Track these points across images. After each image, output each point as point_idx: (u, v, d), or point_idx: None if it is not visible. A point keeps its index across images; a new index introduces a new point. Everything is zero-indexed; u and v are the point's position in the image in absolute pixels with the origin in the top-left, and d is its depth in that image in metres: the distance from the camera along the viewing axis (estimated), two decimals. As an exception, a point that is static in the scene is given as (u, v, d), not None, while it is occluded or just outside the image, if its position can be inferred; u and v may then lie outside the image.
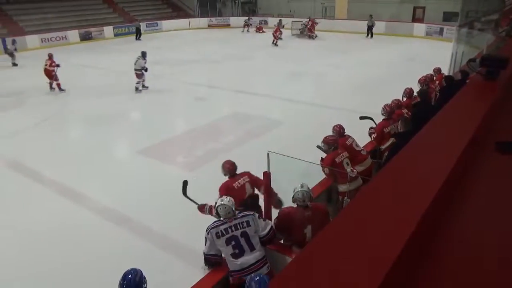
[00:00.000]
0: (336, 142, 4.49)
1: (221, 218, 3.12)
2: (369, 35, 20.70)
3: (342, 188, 4.25)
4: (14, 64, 15.50)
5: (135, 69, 11.09)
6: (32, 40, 19.45)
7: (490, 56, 3.52)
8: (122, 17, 25.03)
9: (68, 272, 4.19)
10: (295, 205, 3.37)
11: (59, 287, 4.03)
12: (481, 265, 1.28)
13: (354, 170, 4.36)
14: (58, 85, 11.54)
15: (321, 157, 4.55)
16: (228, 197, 3.14)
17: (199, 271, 3.15)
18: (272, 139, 7.48)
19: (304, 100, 10.18)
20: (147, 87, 11.49)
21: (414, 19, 22.75)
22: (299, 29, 21.98)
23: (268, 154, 3.29)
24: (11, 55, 15.53)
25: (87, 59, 16.38)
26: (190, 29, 25.87)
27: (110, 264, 4.23)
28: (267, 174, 3.48)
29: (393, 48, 17.85)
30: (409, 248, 1.16)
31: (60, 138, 8.35)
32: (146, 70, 11.07)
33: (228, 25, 26.86)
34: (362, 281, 1.03)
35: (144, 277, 2.56)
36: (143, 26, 24.38)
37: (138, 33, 22.25)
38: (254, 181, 4.07)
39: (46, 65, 11.43)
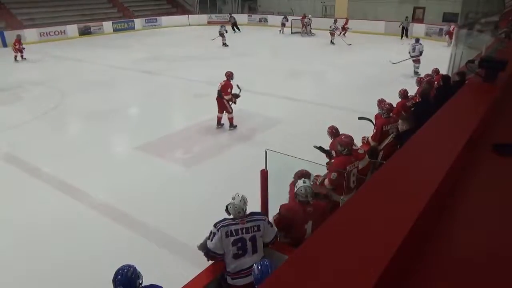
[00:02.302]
0: (351, 145, 4.11)
1: (231, 216, 3.04)
2: (404, 36, 20.09)
3: (336, 197, 4.07)
4: (225, 45, 18.27)
5: (413, 56, 12.00)
6: (30, 34, 19.35)
7: (489, 58, 3.52)
8: (122, 12, 24.93)
9: (64, 268, 4.18)
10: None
11: (55, 283, 4.01)
12: (477, 267, 1.28)
13: (355, 182, 4.10)
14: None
15: (326, 152, 4.40)
16: (241, 196, 3.03)
17: (196, 268, 3.15)
18: (271, 137, 7.48)
19: (303, 99, 10.18)
20: (420, 74, 11.72)
21: (414, 20, 22.73)
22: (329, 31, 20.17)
23: (265, 152, 3.28)
24: (222, 36, 18.29)
25: (86, 54, 16.33)
26: (189, 25, 25.79)
27: (106, 260, 4.23)
28: (264, 172, 3.47)
29: (392, 48, 17.84)
30: (404, 248, 1.16)
31: (57, 133, 8.33)
32: (421, 54, 12.05)
33: (227, 22, 26.78)
34: (357, 280, 1.03)
35: (139, 273, 2.55)
36: (142, 21, 24.30)
37: (236, 26, 23.76)
38: (223, 87, 7.84)
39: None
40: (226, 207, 3.05)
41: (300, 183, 3.31)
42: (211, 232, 2.99)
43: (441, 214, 1.53)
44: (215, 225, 2.98)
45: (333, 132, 4.87)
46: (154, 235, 4.74)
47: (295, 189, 3.32)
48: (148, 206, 5.27)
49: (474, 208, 1.64)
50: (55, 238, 4.68)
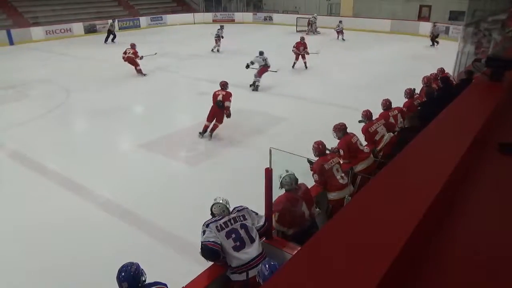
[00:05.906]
0: (319, 150, 4.31)
1: (216, 217, 3.20)
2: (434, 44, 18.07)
3: (332, 196, 4.23)
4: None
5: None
6: (36, 32, 19.48)
7: (496, 57, 3.49)
8: (127, 10, 25.00)
9: (66, 265, 4.21)
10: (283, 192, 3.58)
11: (59, 281, 4.03)
12: (483, 267, 1.27)
13: (344, 177, 4.26)
14: (140, 70, 12.46)
15: (308, 158, 4.49)
16: (222, 197, 3.27)
17: (200, 266, 3.16)
18: (275, 136, 7.48)
19: (308, 97, 10.16)
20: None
21: (420, 18, 22.61)
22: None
23: (270, 150, 3.28)
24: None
25: (91, 52, 16.39)
26: (194, 23, 25.80)
27: (111, 258, 4.25)
28: (269, 171, 3.48)
29: (398, 46, 17.75)
30: (409, 248, 1.15)
31: (63, 131, 8.38)
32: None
33: (232, 20, 26.78)
34: (360, 279, 1.03)
35: (143, 270, 2.57)
36: (147, 19, 24.26)
37: (108, 36, 18.81)
38: (224, 96, 7.39)
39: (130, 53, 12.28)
40: (211, 209, 3.24)
41: (284, 172, 3.54)
42: (202, 232, 3.11)
43: (447, 214, 1.52)
44: (204, 224, 3.15)
45: (340, 128, 4.93)
46: (158, 233, 4.76)
47: (280, 179, 3.55)
48: (152, 204, 5.29)
49: (480, 208, 1.63)
50: (59, 236, 4.70)
